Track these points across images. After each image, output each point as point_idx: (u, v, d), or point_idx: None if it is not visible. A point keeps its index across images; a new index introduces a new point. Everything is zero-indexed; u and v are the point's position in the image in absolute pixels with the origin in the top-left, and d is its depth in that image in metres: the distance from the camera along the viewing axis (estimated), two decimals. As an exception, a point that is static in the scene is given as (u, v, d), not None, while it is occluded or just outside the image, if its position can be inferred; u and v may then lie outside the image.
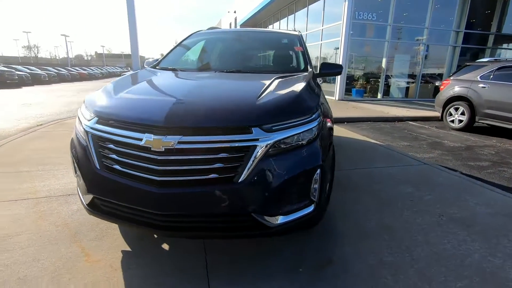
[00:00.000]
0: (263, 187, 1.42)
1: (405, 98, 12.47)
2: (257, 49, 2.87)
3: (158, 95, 1.62)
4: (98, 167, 1.53)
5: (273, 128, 1.45)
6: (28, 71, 22.52)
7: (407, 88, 12.70)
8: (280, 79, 2.01)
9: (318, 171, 1.57)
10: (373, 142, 4.81)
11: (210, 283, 1.60)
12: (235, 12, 24.51)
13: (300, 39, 2.80)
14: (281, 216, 1.51)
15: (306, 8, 13.91)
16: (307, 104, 1.65)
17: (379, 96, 12.17)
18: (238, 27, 23.99)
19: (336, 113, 7.95)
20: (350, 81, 12.40)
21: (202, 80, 1.99)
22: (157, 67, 2.54)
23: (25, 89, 16.88)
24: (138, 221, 1.51)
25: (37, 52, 61.11)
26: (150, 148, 1.38)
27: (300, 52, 2.62)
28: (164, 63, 2.62)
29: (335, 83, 11.64)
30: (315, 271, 1.71)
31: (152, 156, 1.39)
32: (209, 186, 1.40)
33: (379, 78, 12.09)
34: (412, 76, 12.61)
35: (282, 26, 17.38)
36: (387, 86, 12.36)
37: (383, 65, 11.78)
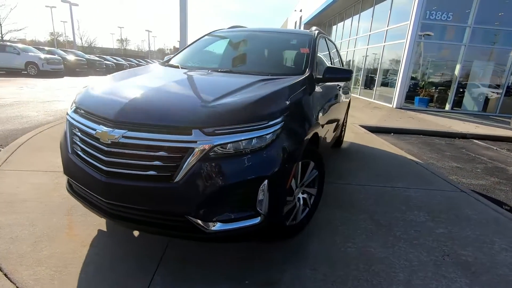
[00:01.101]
0: (199, 191, 1.40)
1: (481, 112, 10.73)
2: (261, 50, 2.80)
3: (126, 90, 1.72)
4: (69, 151, 1.70)
5: (216, 131, 1.41)
6: (115, 61, 25.93)
7: (487, 100, 10.90)
8: (262, 82, 1.93)
9: (265, 182, 1.48)
10: (410, 158, 4.27)
11: (154, 277, 1.65)
12: (301, 11, 24.18)
13: (311, 40, 2.63)
14: (219, 223, 1.47)
15: (372, 8, 12.96)
16: (263, 110, 1.56)
17: (447, 107, 10.72)
18: (302, 26, 23.64)
19: (383, 122, 7.30)
20: (414, 88, 11.20)
21: (178, 79, 2.03)
22: (166, 63, 2.68)
23: (108, 77, 19.47)
24: (93, 205, 1.64)
25: (126, 45, 69.81)
26: (100, 139, 1.48)
27: (304, 54, 2.47)
28: (173, 59, 2.75)
29: (394, 88, 10.64)
30: (259, 285, 1.62)
31: (101, 147, 1.49)
32: (147, 182, 1.43)
33: (450, 86, 10.63)
34: (495, 86, 10.76)
35: (346, 25, 16.54)
36: (459, 96, 10.79)
37: (457, 72, 10.30)
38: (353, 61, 15.48)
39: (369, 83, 13.43)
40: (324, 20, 20.52)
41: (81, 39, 53.17)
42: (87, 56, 21.95)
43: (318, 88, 2.37)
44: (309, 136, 1.88)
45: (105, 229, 2.07)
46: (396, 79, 10.58)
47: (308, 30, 2.91)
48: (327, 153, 4.09)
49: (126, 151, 1.44)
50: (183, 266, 1.74)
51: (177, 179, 1.39)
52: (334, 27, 18.99)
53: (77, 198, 1.77)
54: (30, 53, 16.07)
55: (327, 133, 2.65)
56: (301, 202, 2.06)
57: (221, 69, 2.35)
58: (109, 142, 1.46)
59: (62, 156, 1.79)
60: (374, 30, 12.77)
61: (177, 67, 2.50)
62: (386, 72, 12.27)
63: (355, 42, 15.02)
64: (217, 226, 1.47)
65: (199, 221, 1.44)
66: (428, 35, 9.92)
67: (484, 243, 2.19)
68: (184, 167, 1.39)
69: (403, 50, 10.08)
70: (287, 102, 1.70)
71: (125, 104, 1.52)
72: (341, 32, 17.47)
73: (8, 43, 16.89)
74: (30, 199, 2.40)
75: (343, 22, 17.04)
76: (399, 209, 2.61)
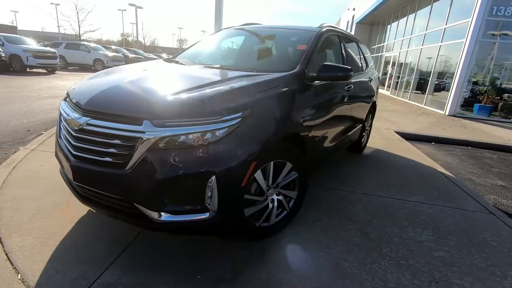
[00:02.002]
0: (146, 180, 1.44)
1: (560, 125, 9.04)
2: (256, 47, 2.73)
3: (104, 82, 1.83)
4: (58, 135, 1.88)
5: (165, 123, 1.44)
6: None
7: None
8: (238, 78, 1.90)
9: (213, 178, 1.45)
10: (441, 171, 3.80)
11: (117, 259, 1.74)
12: (354, 9, 23.09)
13: (312, 36, 2.49)
14: (167, 214, 1.49)
15: (430, 5, 11.79)
16: (217, 105, 1.53)
17: (515, 117, 9.27)
18: (354, 25, 22.57)
19: (426, 129, 6.61)
20: (474, 93, 9.93)
21: (154, 73, 2.08)
22: (168, 59, 2.79)
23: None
24: (70, 185, 1.79)
25: (184, 45, 74.48)
26: (70, 125, 1.61)
27: (300, 51, 2.35)
28: (180, 55, 2.86)
29: (448, 92, 9.56)
30: (208, 282, 1.60)
31: (71, 132, 1.62)
32: (105, 168, 1.52)
33: (521, 94, 9.17)
34: None
35: (400, 25, 15.34)
36: (533, 106, 9.25)
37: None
38: (405, 63, 14.29)
39: (421, 87, 12.26)
40: (378, 19, 19.30)
41: (143, 39, 58.17)
42: (145, 54, 23.96)
43: (313, 86, 2.24)
44: (281, 136, 1.80)
45: (94, 211, 2.25)
46: (451, 83, 9.49)
47: (316, 27, 2.77)
48: (338, 158, 3.87)
49: (89, 137, 1.55)
50: (146, 253, 1.81)
51: (128, 167, 1.45)
52: (388, 27, 17.76)
53: (64, 180, 1.95)
54: (99, 51, 18.16)
55: (324, 135, 2.49)
56: (275, 204, 1.98)
57: (213, 65, 2.37)
58: (76, 128, 1.58)
59: (56, 140, 1.99)
60: (430, 29, 11.61)
61: (176, 62, 2.59)
62: (440, 75, 11.08)
63: (408, 42, 13.83)
64: (164, 217, 1.50)
65: (147, 210, 1.49)
66: (506, 34, 8.67)
67: (493, 275, 1.86)
68: (134, 156, 1.44)
69: (461, 50, 8.99)
70: (251, 99, 1.64)
71: (95, 94, 1.64)
72: (394, 31, 16.26)
73: (81, 42, 19.32)
74: (46, 177, 2.71)
75: (397, 21, 15.83)
76: (399, 225, 2.35)
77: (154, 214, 1.49)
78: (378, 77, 4.55)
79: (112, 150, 1.49)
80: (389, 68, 16.64)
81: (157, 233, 1.98)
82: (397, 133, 5.97)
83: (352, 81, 3.07)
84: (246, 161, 1.54)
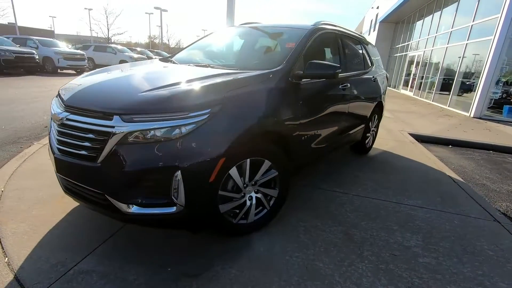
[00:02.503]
0: (115, 173, 1.51)
1: None
2: (245, 45, 2.73)
3: (90, 80, 1.92)
4: (49, 130, 2.01)
5: (133, 119, 1.49)
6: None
7: None
8: (216, 76, 1.91)
9: (179, 172, 1.49)
10: (451, 175, 3.60)
11: (98, 248, 1.82)
12: (377, 8, 22.39)
13: (302, 35, 2.46)
14: (135, 206, 1.55)
15: (457, 2, 11.18)
16: (184, 102, 1.56)
17: (550, 120, 8.55)
18: (377, 24, 21.87)
19: (445, 132, 6.27)
20: (506, 94, 9.29)
21: (138, 71, 2.15)
22: (168, 58, 2.87)
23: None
24: (58, 178, 1.90)
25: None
26: (53, 119, 1.71)
27: (287, 49, 2.33)
28: (176, 54, 2.93)
29: (474, 92, 9.01)
30: (174, 276, 1.64)
31: (55, 126, 1.72)
32: (81, 161, 1.60)
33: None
34: None
35: (425, 23, 14.66)
36: None
37: None
38: (429, 62, 13.63)
39: (446, 88, 11.64)
40: (403, 17, 18.56)
41: (168, 40, 59.99)
42: (168, 55, 24.69)
43: (300, 85, 2.22)
44: (255, 133, 1.80)
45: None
46: (477, 83, 8.93)
47: (310, 25, 2.73)
48: (339, 158, 3.78)
49: (68, 131, 1.64)
50: (126, 245, 1.87)
51: (100, 160, 1.52)
52: (412, 25, 17.04)
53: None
54: (124, 53, 19.00)
55: (314, 135, 2.45)
56: (254, 201, 1.98)
57: (201, 64, 2.41)
58: (58, 122, 1.68)
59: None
60: (456, 26, 11.00)
61: (170, 61, 2.66)
62: (467, 75, 10.45)
63: (433, 41, 13.19)
64: (134, 209, 1.55)
65: (117, 202, 1.55)
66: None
67: (481, 285, 1.74)
68: (105, 149, 1.50)
69: (489, 48, 8.44)
70: (222, 96, 1.66)
71: (75, 91, 1.73)
72: (419, 30, 15.56)
73: (108, 45, 20.29)
74: (49, 170, 2.88)
75: (422, 19, 15.14)
76: (388, 228, 2.26)
77: (123, 206, 1.55)
78: (387, 77, 4.39)
79: (87, 143, 1.57)
80: (413, 68, 15.95)
81: (139, 226, 2.05)
82: (411, 135, 5.72)
83: (351, 79, 3.00)
84: (213, 157, 1.56)
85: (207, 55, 2.71)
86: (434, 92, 12.22)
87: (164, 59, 2.76)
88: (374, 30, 23.46)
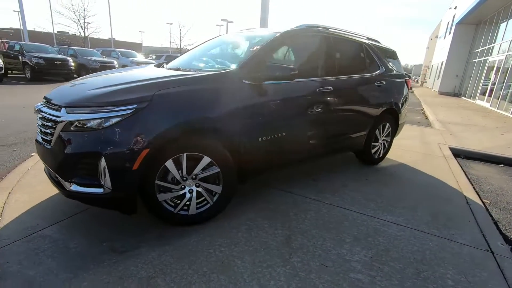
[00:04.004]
0: (59, 154, 1.82)
1: None
2: (222, 50, 2.82)
3: (76, 81, 2.31)
4: None
5: (74, 111, 1.79)
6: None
7: None
8: (162, 77, 2.10)
9: (103, 158, 1.72)
10: (468, 195, 3.09)
11: (60, 222, 2.18)
12: (455, 8, 19.93)
13: (269, 38, 2.49)
14: (74, 185, 1.83)
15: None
16: (115, 97, 1.79)
17: None
18: (453, 27, 19.45)
19: (504, 149, 5.29)
20: None
21: (115, 73, 2.46)
22: (162, 64, 3.20)
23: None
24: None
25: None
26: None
27: (250, 53, 2.39)
28: (173, 60, 3.24)
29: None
30: (102, 250, 1.86)
31: (38, 117, 2.14)
32: (44, 144, 1.97)
33: None
34: None
35: (510, 23, 12.50)
36: None
37: None
38: (512, 68, 11.55)
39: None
40: (484, 17, 16.15)
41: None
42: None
43: (257, 86, 2.26)
44: (188, 129, 1.93)
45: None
46: None
47: (289, 28, 2.73)
48: (337, 166, 3.59)
49: (41, 120, 2.03)
50: (87, 220, 2.19)
51: (52, 144, 1.86)
52: (495, 26, 14.69)
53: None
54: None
55: (277, 137, 2.44)
56: (194, 194, 2.10)
57: (173, 67, 2.65)
58: (35, 113, 2.09)
59: None
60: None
61: (161, 66, 2.97)
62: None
63: (518, 43, 11.16)
64: (73, 187, 1.84)
65: (62, 180, 1.86)
66: None
67: (410, 313, 1.53)
68: (54, 135, 1.84)
69: None
70: (152, 93, 1.84)
71: (55, 89, 2.13)
72: (502, 31, 13.34)
73: (177, 55, 22.55)
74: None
75: (506, 20, 12.95)
76: (339, 240, 2.12)
77: (66, 184, 1.85)
78: (405, 83, 3.97)
79: (48, 130, 1.93)
80: (492, 75, 13.70)
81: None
82: (452, 149, 5.01)
83: (336, 83, 2.87)
84: (136, 147, 1.75)
85: (190, 61, 2.93)
86: (514, 103, 10.31)
87: (160, 64, 3.09)
88: (449, 33, 20.93)
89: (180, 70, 2.49)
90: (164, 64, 3.04)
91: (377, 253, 2.00)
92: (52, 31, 33.21)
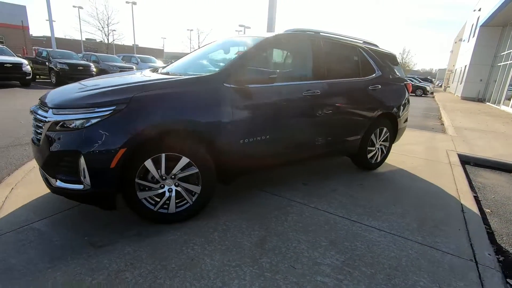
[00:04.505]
0: (45, 153, 1.95)
1: None
2: (213, 55, 2.90)
3: (76, 84, 2.47)
4: None
5: (59, 112, 1.92)
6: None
7: None
8: (144, 81, 2.21)
9: (82, 156, 1.83)
10: (465, 203, 2.97)
11: (50, 217, 2.32)
12: (479, 10, 19.12)
13: (254, 43, 2.55)
14: (59, 181, 1.96)
15: None
16: (93, 100, 1.91)
17: None
18: (477, 29, 18.66)
19: (507, 154, 5.00)
20: None
21: (108, 77, 2.58)
22: (156, 69, 3.32)
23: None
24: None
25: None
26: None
27: (234, 57, 2.46)
28: (171, 65, 3.36)
29: None
30: (83, 244, 1.97)
31: (32, 118, 2.31)
32: (36, 143, 2.12)
33: None
34: None
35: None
36: None
37: None
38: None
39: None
40: (511, 19, 15.38)
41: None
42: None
43: (238, 89, 2.32)
44: (169, 130, 2.02)
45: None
46: None
47: (276, 33, 2.77)
48: (329, 169, 3.55)
49: (34, 121, 2.19)
50: (75, 215, 2.32)
51: (40, 142, 2.00)
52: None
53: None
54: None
55: (257, 140, 2.47)
56: (174, 194, 2.18)
57: (163, 71, 2.76)
58: (32, 115, 2.26)
59: None
60: None
61: (156, 71, 3.10)
62: None
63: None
64: (58, 183, 1.97)
65: (48, 176, 1.99)
66: None
67: (371, 319, 1.51)
68: (42, 134, 1.98)
69: None
70: (130, 96, 1.94)
71: (50, 91, 2.29)
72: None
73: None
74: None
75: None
76: (315, 243, 2.11)
77: (52, 181, 1.98)
78: (405, 88, 3.87)
79: (38, 130, 2.08)
80: (518, 79, 12.99)
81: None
82: (460, 156, 4.81)
83: (324, 86, 2.86)
84: (113, 147, 1.85)
85: (183, 66, 3.03)
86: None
87: (155, 69, 3.22)
88: (473, 36, 20.08)
89: (169, 75, 2.60)
90: (160, 68, 3.16)
91: (351, 257, 1.97)
92: (80, 39, 35.17)
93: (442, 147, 5.30)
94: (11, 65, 10.86)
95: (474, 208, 2.90)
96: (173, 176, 2.15)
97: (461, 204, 2.96)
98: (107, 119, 1.87)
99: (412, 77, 28.36)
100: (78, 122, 1.87)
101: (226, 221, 2.32)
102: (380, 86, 3.42)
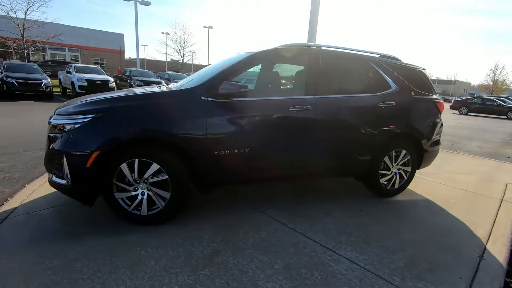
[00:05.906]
0: (45, 151, 2.35)
1: None
2: (209, 71, 3.00)
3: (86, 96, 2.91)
4: None
5: (57, 118, 2.30)
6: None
7: None
8: (135, 93, 2.47)
9: (64, 156, 2.15)
10: (491, 251, 2.40)
11: (49, 209, 2.73)
12: None
13: (240, 59, 2.61)
14: (53, 175, 2.32)
15: None
16: (79, 108, 2.22)
17: None
18: None
19: None
20: None
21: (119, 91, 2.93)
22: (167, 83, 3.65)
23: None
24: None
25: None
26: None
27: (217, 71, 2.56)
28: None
29: None
30: (58, 237, 2.25)
31: None
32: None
33: None
34: None
35: None
36: None
37: None
38: None
39: None
40: None
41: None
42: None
43: (225, 103, 2.40)
44: (141, 138, 2.23)
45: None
46: None
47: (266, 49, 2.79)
48: (336, 191, 3.30)
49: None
50: (70, 211, 2.67)
51: (46, 143, 2.42)
52: None
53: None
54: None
55: (237, 153, 2.48)
56: (145, 197, 2.34)
57: (162, 85, 3.02)
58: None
59: None
60: None
61: (166, 85, 3.42)
62: None
63: None
64: (52, 177, 2.33)
65: (47, 171, 2.38)
66: None
67: None
68: (47, 135, 2.39)
69: None
70: (108, 106, 2.20)
71: (65, 102, 2.75)
72: None
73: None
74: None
75: None
76: (268, 265, 1.98)
77: (49, 175, 2.36)
78: (433, 106, 3.35)
79: (51, 134, 2.50)
80: None
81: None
82: (522, 191, 3.89)
83: (318, 102, 2.71)
84: (87, 149, 2.11)
85: (187, 80, 3.24)
86: None
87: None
88: None
89: (161, 88, 2.86)
90: (172, 83, 3.48)
91: (298, 286, 1.80)
92: (165, 60, 40.67)
93: (502, 180, 4.36)
94: (100, 82, 13.16)
95: (501, 257, 2.31)
96: (145, 181, 2.32)
97: (485, 248, 2.40)
98: (86, 125, 2.16)
99: (507, 98, 24.12)
100: (68, 127, 2.21)
101: (192, 230, 2.37)
102: (394, 103, 3.07)
